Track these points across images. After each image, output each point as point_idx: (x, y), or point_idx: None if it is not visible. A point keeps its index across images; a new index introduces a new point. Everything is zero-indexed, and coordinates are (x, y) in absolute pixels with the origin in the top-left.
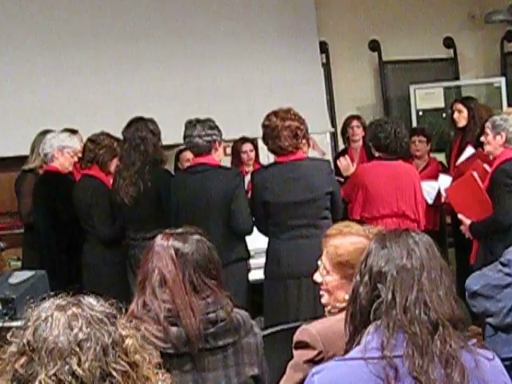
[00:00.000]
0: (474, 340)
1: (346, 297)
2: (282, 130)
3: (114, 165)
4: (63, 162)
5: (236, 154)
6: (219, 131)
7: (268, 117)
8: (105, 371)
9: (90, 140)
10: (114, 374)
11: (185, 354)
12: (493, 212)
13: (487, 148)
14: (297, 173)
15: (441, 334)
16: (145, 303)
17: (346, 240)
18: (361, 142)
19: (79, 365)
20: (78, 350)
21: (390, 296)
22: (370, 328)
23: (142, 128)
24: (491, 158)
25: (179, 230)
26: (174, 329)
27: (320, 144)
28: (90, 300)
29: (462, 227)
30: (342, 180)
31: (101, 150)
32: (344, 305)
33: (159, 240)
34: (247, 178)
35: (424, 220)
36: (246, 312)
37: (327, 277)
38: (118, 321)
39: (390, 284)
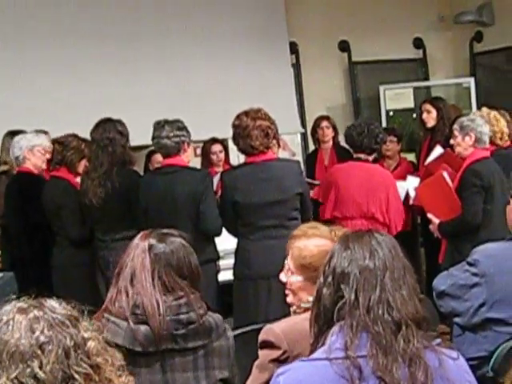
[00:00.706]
0: (439, 340)
1: (310, 298)
2: (252, 129)
3: (82, 166)
4: (36, 162)
5: (206, 155)
6: (188, 132)
7: (238, 116)
8: (67, 374)
9: (57, 142)
10: (76, 376)
11: (153, 353)
12: (461, 212)
13: (457, 149)
14: (267, 173)
15: (404, 333)
16: (116, 301)
17: (311, 242)
18: (331, 143)
19: (41, 368)
20: (39, 352)
21: (352, 296)
22: (335, 328)
23: (109, 129)
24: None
25: (163, 231)
26: (142, 327)
27: (290, 145)
28: (52, 303)
29: (430, 226)
30: (317, 183)
31: (69, 151)
32: (308, 305)
33: (138, 238)
34: (217, 179)
35: (399, 225)
36: (220, 315)
37: (291, 277)
38: (80, 323)
39: (352, 284)
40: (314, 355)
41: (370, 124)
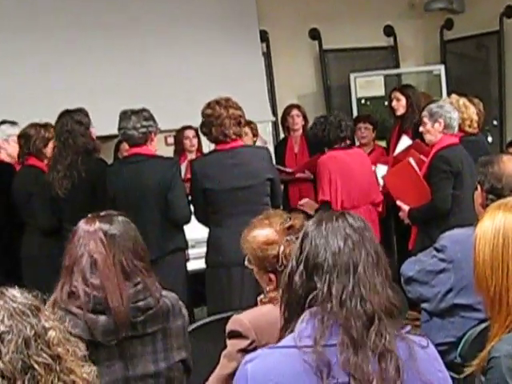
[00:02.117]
0: (408, 327)
1: (267, 288)
2: (226, 117)
3: (50, 150)
4: (12, 152)
5: (179, 141)
6: (154, 121)
7: (210, 105)
8: (26, 364)
9: (19, 137)
10: (36, 366)
11: (113, 341)
12: (431, 198)
13: (427, 137)
14: (236, 159)
15: (376, 327)
16: (71, 291)
17: (260, 233)
18: (301, 131)
19: (0, 357)
20: None
21: (325, 288)
22: (305, 315)
23: (66, 121)
24: (423, 145)
25: (103, 213)
26: (101, 318)
27: (261, 133)
28: (13, 292)
29: (400, 214)
30: (288, 170)
31: (30, 141)
32: (272, 295)
33: (84, 225)
34: (184, 166)
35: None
36: (175, 295)
37: (250, 266)
38: (41, 313)
39: (326, 276)
40: (282, 342)
41: (327, 117)
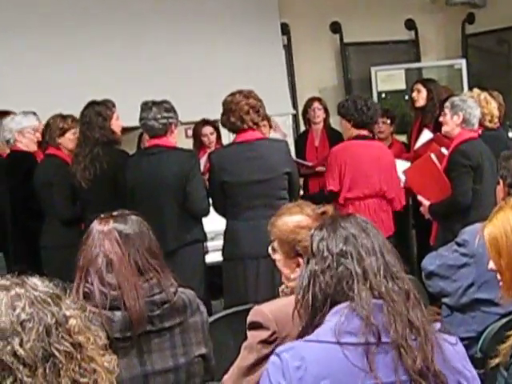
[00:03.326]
0: (438, 324)
1: (292, 275)
2: (245, 105)
3: (66, 141)
4: (27, 143)
5: (196, 136)
6: (175, 113)
7: (231, 94)
8: (47, 352)
9: (44, 126)
10: (57, 354)
11: (130, 337)
12: (451, 193)
13: (445, 128)
14: (254, 152)
15: (413, 302)
16: (87, 292)
17: (291, 218)
18: (322, 124)
19: (21, 345)
20: (20, 330)
21: (359, 270)
22: (342, 309)
23: (87, 113)
24: (449, 137)
25: (115, 213)
26: (118, 313)
27: (281, 126)
28: (34, 280)
29: (421, 209)
30: (308, 164)
31: (47, 130)
32: (292, 284)
33: (97, 225)
34: (204, 160)
35: (403, 199)
36: (192, 291)
37: (275, 255)
38: (62, 301)
39: (356, 259)
40: (320, 336)
41: (367, 99)
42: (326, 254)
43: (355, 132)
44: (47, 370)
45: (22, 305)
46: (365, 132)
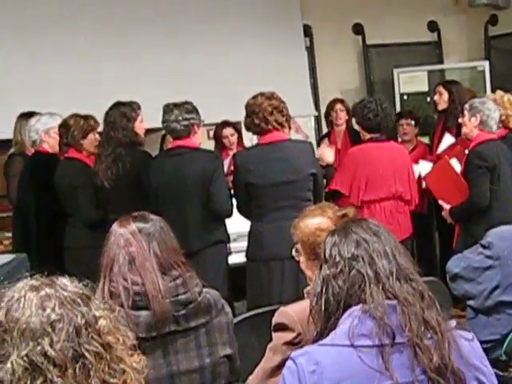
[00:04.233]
0: (454, 321)
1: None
2: (268, 106)
3: (89, 141)
4: (53, 144)
5: (218, 138)
6: (197, 114)
7: (254, 97)
8: (77, 352)
9: (60, 126)
10: (87, 354)
11: (156, 337)
12: (469, 195)
13: (463, 129)
14: (280, 153)
15: (427, 302)
16: (111, 292)
17: (312, 221)
18: (344, 126)
19: (51, 345)
20: (50, 330)
21: (371, 273)
22: (354, 312)
23: (112, 113)
24: (468, 139)
25: (136, 214)
26: (143, 313)
27: (303, 127)
28: (63, 281)
29: (443, 213)
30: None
31: (69, 131)
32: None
33: (119, 225)
34: (228, 161)
35: (417, 198)
36: (217, 292)
37: (299, 257)
38: (91, 302)
39: (368, 263)
40: (335, 339)
41: (382, 103)
42: (337, 259)
43: (367, 135)
44: (77, 371)
45: (51, 305)
46: (377, 135)
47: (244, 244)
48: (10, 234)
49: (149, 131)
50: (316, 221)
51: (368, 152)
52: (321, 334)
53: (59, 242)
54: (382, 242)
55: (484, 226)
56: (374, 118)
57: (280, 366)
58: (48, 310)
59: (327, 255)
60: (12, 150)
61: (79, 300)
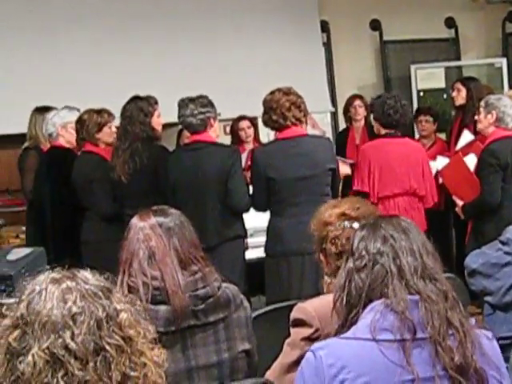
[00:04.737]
0: (473, 320)
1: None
2: (286, 101)
3: (105, 135)
4: (69, 138)
5: (234, 132)
6: (213, 107)
7: (271, 92)
8: (98, 345)
9: (76, 122)
10: (108, 348)
11: (175, 331)
12: (480, 193)
13: (479, 126)
14: (299, 148)
15: (451, 302)
16: (129, 286)
17: (323, 215)
18: (362, 122)
19: (72, 338)
20: (71, 323)
21: (394, 268)
22: (376, 306)
23: (129, 107)
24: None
25: (155, 208)
26: (162, 308)
27: (320, 123)
28: (84, 274)
29: (456, 209)
30: (349, 161)
31: (84, 126)
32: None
33: (139, 219)
34: (245, 156)
35: (435, 196)
36: (235, 287)
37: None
38: (112, 295)
39: (392, 258)
40: (356, 333)
41: (400, 100)
42: (363, 253)
43: (383, 130)
44: (98, 364)
45: (73, 298)
46: (393, 131)
47: (260, 239)
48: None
49: (165, 126)
50: (323, 215)
51: (380, 147)
52: (342, 327)
53: (76, 236)
54: (409, 239)
55: (495, 224)
56: (394, 114)
57: (298, 362)
58: (69, 303)
59: (354, 249)
60: (26, 144)
61: (100, 293)
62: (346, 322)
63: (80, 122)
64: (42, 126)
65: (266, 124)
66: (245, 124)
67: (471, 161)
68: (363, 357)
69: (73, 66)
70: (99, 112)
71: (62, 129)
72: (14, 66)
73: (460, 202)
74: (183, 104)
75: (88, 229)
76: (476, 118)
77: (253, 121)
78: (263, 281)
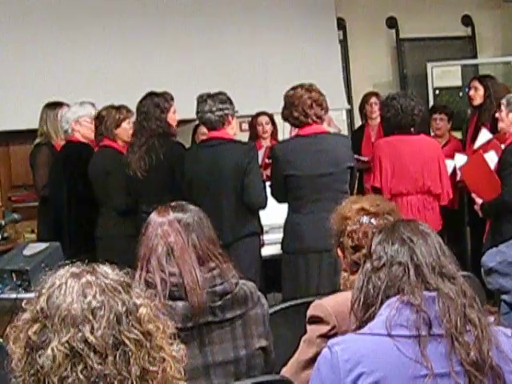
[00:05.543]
0: (492, 318)
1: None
2: (308, 99)
3: (123, 131)
4: (84, 132)
5: (252, 127)
6: (231, 104)
7: (293, 88)
8: (118, 339)
9: (95, 118)
10: (127, 342)
11: (192, 327)
12: (500, 193)
13: (500, 124)
14: (319, 146)
15: (469, 300)
16: (147, 282)
17: (342, 210)
18: (378, 119)
19: (92, 332)
20: (91, 317)
21: (412, 266)
22: (393, 303)
23: (146, 103)
24: (506, 135)
25: (174, 204)
26: (179, 304)
27: (336, 121)
28: (104, 268)
29: (475, 206)
30: (365, 159)
31: (102, 122)
32: (350, 277)
33: (157, 215)
34: (261, 153)
35: (451, 193)
36: (253, 284)
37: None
38: (132, 290)
39: (410, 256)
40: (372, 329)
41: (404, 102)
42: (381, 254)
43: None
44: (117, 358)
45: (93, 292)
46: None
47: (276, 236)
48: None
49: (181, 122)
50: (344, 210)
51: (393, 144)
52: (360, 326)
53: (91, 231)
54: (427, 243)
55: None
56: (393, 117)
57: (314, 359)
58: (89, 297)
59: (372, 251)
60: (38, 140)
61: (120, 288)
62: (364, 321)
63: (99, 117)
64: (54, 122)
65: (285, 119)
66: (264, 120)
67: (491, 158)
68: (379, 352)
69: (87, 61)
70: (118, 108)
71: (75, 123)
72: (26, 63)
73: (479, 201)
74: (202, 100)
75: (103, 224)
76: (497, 115)
77: (271, 116)
78: (278, 278)
